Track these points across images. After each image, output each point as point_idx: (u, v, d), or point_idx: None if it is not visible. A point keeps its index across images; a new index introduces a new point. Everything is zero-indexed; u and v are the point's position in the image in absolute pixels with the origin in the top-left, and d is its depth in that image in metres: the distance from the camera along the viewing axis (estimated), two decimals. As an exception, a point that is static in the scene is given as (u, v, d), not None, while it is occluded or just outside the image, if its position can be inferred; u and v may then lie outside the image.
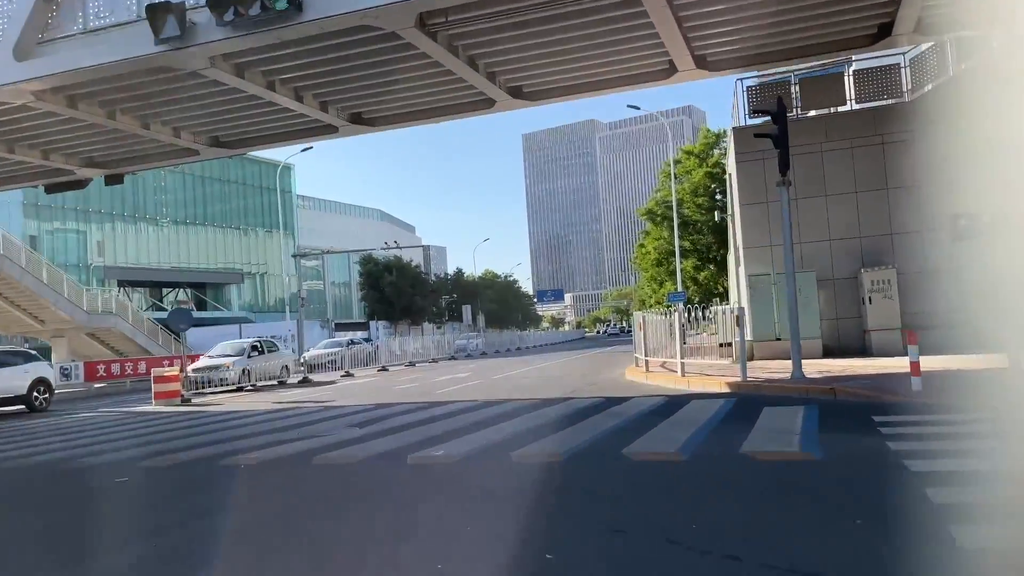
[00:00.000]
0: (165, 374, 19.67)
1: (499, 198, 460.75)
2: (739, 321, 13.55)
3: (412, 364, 34.69)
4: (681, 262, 43.92)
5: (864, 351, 17.72)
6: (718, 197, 47.67)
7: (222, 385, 22.50)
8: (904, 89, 18.23)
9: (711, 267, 49.25)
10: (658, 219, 48.55)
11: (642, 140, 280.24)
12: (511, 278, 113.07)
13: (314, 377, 26.92)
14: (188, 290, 71.35)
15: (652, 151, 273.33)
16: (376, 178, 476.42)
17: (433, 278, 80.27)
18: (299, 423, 12.75)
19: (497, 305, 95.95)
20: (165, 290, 66.92)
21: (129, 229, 64.03)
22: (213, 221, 71.64)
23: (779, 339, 17.93)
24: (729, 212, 24.50)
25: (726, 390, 13.29)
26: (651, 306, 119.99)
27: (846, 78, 18.80)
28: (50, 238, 58.48)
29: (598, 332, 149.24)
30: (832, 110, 19.20)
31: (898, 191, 17.61)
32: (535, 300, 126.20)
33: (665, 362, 18.21)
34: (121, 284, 63.39)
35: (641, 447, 7.87)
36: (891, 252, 17.83)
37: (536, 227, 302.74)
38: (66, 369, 30.30)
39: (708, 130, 47.43)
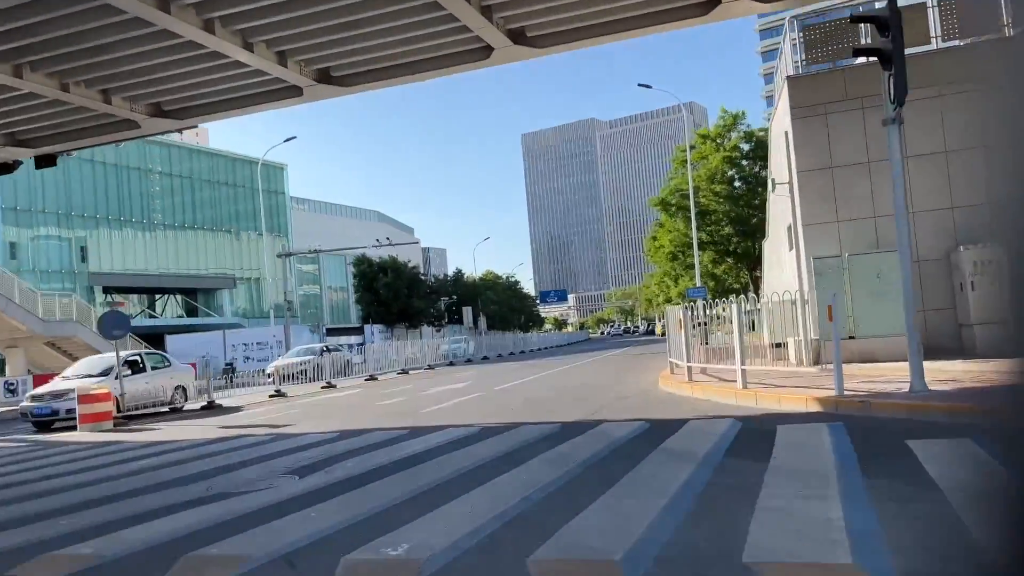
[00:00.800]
0: (93, 392, 15.95)
1: (499, 199, 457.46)
2: (831, 313, 9.82)
3: (405, 371, 31.04)
4: (698, 255, 40.26)
5: (961, 350, 14.04)
6: (737, 184, 44.07)
7: (69, 417, 16.37)
8: (1005, 22, 14.59)
9: (729, 260, 45.60)
10: (672, 209, 44.85)
11: (643, 138, 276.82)
12: (513, 279, 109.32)
13: (289, 390, 23.26)
14: (178, 296, 68.13)
15: (653, 149, 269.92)
16: (374, 181, 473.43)
17: (432, 279, 76.68)
18: (223, 465, 9.07)
19: (499, 307, 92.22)
20: (158, 297, 63.79)
21: (115, 234, 60.82)
22: (203, 225, 68.49)
23: (853, 337, 14.23)
24: (770, 184, 20.78)
25: (817, 409, 9.62)
26: (660, 304, 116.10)
27: (929, 10, 15.11)
28: (32, 245, 55.25)
29: (602, 333, 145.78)
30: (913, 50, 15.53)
31: (1000, 149, 13.94)
32: (538, 301, 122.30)
33: (706, 367, 14.58)
34: (107, 291, 60.04)
35: (770, 542, 4.18)
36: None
37: (537, 228, 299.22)
38: (11, 384, 26.67)
39: (725, 110, 43.82)
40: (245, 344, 49.16)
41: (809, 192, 15.27)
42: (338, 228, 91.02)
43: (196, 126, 18.98)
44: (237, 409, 18.84)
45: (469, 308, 73.89)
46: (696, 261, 39.75)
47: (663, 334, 75.75)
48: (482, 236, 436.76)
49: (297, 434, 11.79)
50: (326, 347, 28.43)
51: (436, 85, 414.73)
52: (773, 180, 15.36)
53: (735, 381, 12.10)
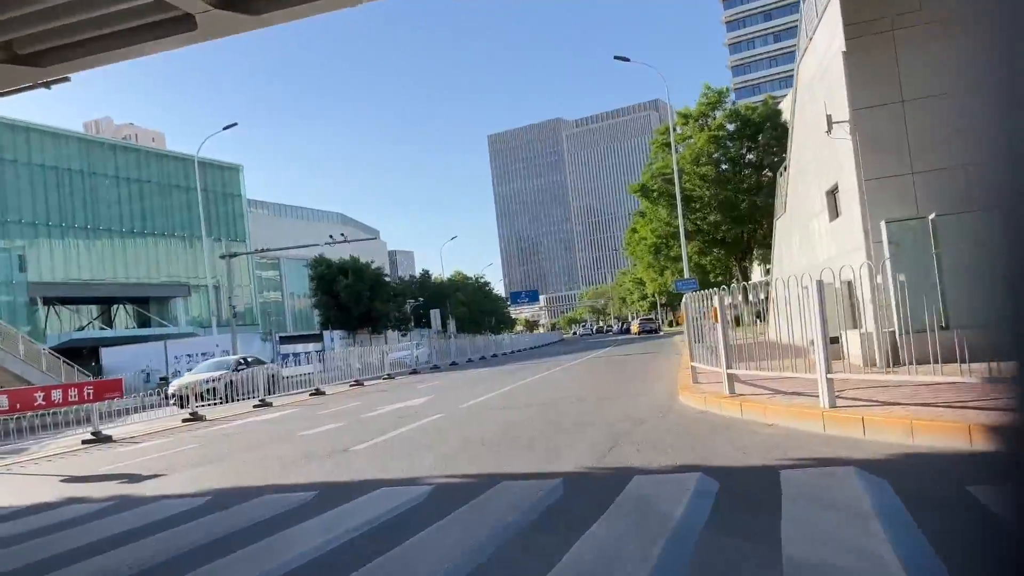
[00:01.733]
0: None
1: (468, 201, 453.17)
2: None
3: (359, 383, 26.84)
4: (686, 244, 36.52)
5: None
6: (724, 167, 40.48)
7: None
8: None
9: (717, 251, 42.00)
10: (654, 196, 41.13)
11: (610, 137, 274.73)
12: (482, 280, 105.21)
13: (212, 412, 18.98)
14: (129, 306, 63.26)
15: (620, 147, 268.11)
16: (339, 185, 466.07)
17: (396, 281, 72.30)
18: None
19: (468, 308, 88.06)
20: (115, 308, 59.18)
21: (57, 242, 55.97)
22: (155, 230, 63.87)
23: (945, 327, 10.37)
24: (790, 142, 17.03)
25: (977, 447, 5.73)
26: (635, 302, 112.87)
27: None
28: (-36, 254, 50.35)
29: (574, 333, 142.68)
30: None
31: None
32: (509, 302, 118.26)
33: (734, 372, 10.70)
34: (48, 302, 55.09)
35: None
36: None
37: (505, 229, 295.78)
38: None
39: (709, 87, 40.19)
40: (189, 355, 44.48)
41: (870, 136, 11.43)
42: (299, 231, 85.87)
43: (67, 79, 14.71)
44: (131, 441, 14.57)
45: (437, 311, 69.87)
46: (684, 250, 36.01)
47: (639, 332, 72.22)
48: (450, 238, 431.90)
49: (150, 498, 7.61)
50: (243, 359, 23.94)
51: (397, 86, 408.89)
52: (830, 117, 11.44)
53: (804, 395, 8.22)
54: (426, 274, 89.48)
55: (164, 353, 45.41)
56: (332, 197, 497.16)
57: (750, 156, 39.79)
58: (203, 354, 45.85)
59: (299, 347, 51.96)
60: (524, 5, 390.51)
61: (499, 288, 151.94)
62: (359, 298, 58.91)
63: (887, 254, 10.78)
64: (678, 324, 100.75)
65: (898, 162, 11.30)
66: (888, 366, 9.74)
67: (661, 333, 71.54)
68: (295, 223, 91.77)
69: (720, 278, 45.26)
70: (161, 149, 71.34)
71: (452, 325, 79.13)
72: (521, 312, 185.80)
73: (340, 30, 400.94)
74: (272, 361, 36.24)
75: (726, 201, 38.60)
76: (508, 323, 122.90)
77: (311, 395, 23.62)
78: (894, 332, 10.06)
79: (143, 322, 62.23)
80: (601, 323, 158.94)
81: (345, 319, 59.52)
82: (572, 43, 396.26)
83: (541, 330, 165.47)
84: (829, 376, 7.76)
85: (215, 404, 20.44)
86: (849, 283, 12.09)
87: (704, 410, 9.82)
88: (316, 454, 9.61)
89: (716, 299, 9.97)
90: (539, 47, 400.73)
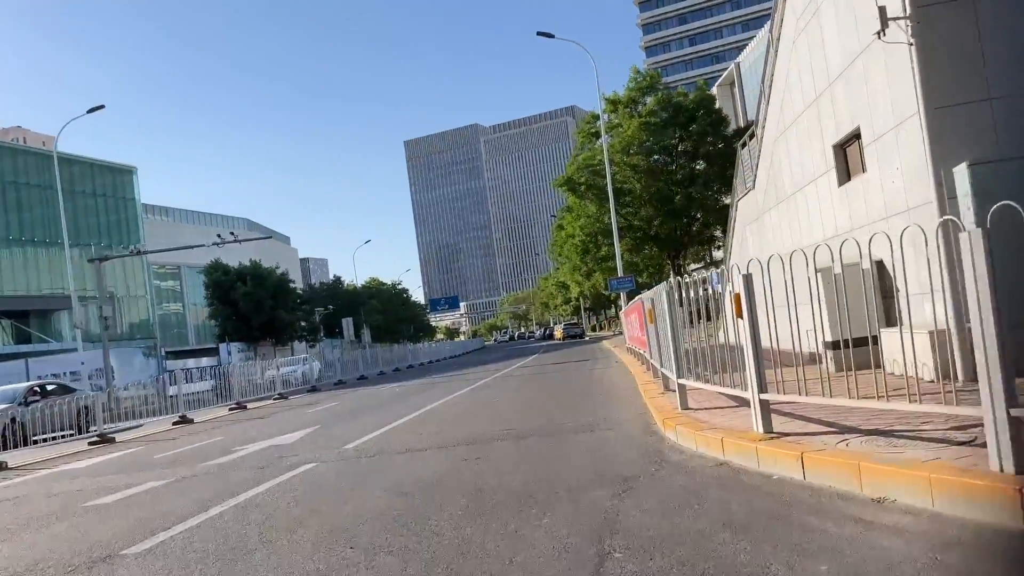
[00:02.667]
0: None
1: (385, 208, 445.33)
2: None
3: (241, 406, 22.25)
4: (619, 241, 33.14)
5: None
6: (656, 157, 37.37)
7: None
8: None
9: (650, 248, 38.86)
10: (581, 190, 37.67)
11: (527, 142, 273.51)
12: (400, 286, 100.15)
13: (21, 454, 14.21)
14: (5, 321, 56.05)
15: (538, 153, 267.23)
16: (248, 191, 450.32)
17: (303, 288, 66.91)
18: None
19: (384, 316, 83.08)
20: None
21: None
22: (34, 238, 56.83)
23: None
24: (762, 101, 13.73)
25: None
26: (559, 307, 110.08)
27: None
28: None
29: (495, 340, 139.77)
30: None
31: None
32: (428, 310, 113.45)
33: (768, 398, 7.06)
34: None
35: None
36: None
37: (424, 236, 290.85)
38: None
39: (638, 71, 37.02)
40: (55, 374, 38.40)
41: (933, 45, 7.93)
42: (202, 238, 79.19)
43: None
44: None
45: (350, 319, 65.25)
46: (617, 246, 32.66)
47: (564, 338, 68.92)
48: (367, 245, 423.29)
49: None
50: (38, 388, 18.89)
51: (311, 89, 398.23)
52: (883, 10, 7.82)
53: (917, 438, 4.56)
54: (337, 280, 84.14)
55: (26, 372, 39.21)
56: (241, 204, 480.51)
57: (683, 145, 36.85)
58: (71, 373, 39.93)
59: (191, 362, 46.41)
60: (433, 11, 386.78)
61: (418, 295, 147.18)
62: (260, 306, 53.50)
63: (968, 210, 7.27)
64: (602, 329, 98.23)
65: (973, 83, 7.83)
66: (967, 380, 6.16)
67: (587, 338, 68.54)
68: (198, 229, 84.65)
69: (652, 279, 42.25)
70: (42, 149, 63.96)
71: (367, 334, 74.50)
72: (441, 320, 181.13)
73: (248, 36, 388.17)
74: (155, 379, 31.08)
75: (659, 194, 35.47)
76: (428, 331, 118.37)
77: (175, 423, 19.00)
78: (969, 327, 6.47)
79: (23, 338, 55.33)
80: (523, 329, 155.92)
81: (245, 330, 53.99)
82: (488, 48, 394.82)
83: (462, 337, 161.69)
84: (1013, 414, 4.05)
85: (45, 441, 15.59)
86: (879, 263, 8.63)
87: (725, 461, 6.05)
88: (80, 549, 5.41)
89: (737, 280, 6.20)
90: (454, 51, 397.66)
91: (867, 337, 8.08)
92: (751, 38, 67.97)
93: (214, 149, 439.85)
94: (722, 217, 37.07)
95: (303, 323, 60.00)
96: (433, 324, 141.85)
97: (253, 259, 56.49)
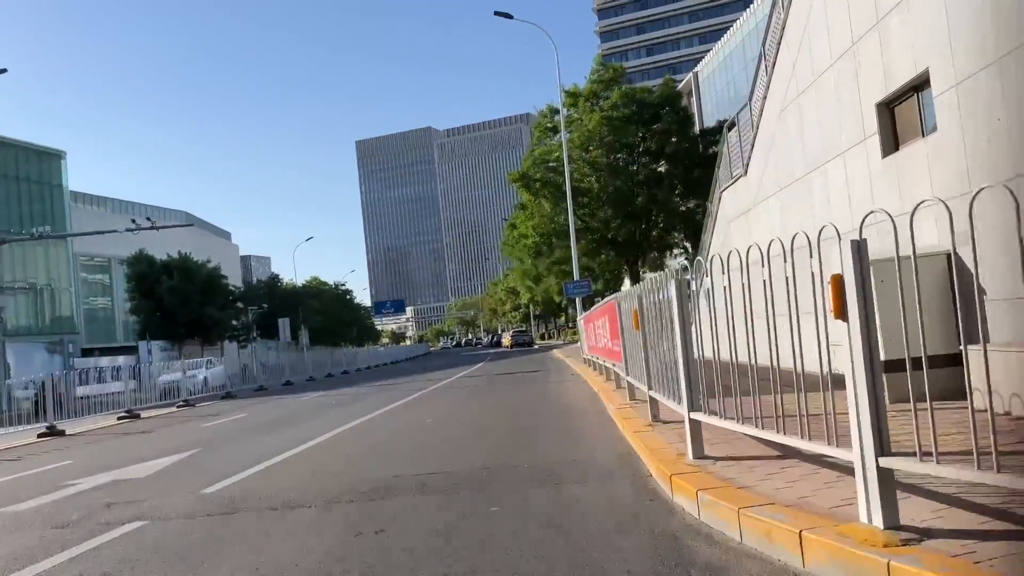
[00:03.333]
0: None
1: (333, 208, 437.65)
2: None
3: (133, 414, 18.94)
4: (576, 242, 30.57)
5: None
6: (619, 156, 34.89)
7: None
8: None
9: (606, 252, 36.37)
10: (536, 187, 35.01)
11: (481, 148, 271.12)
12: (343, 287, 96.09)
13: None
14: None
15: (491, 160, 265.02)
16: (190, 187, 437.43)
17: (235, 287, 62.81)
18: None
19: (325, 318, 79.08)
20: None
21: None
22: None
23: None
24: (766, 65, 11.29)
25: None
26: (507, 314, 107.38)
27: None
28: None
29: (442, 346, 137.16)
30: None
31: None
32: (373, 312, 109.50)
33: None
34: None
35: None
36: None
37: (373, 238, 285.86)
38: None
39: (602, 62, 34.58)
40: (-59, 370, 34.06)
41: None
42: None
43: None
44: None
45: (287, 319, 61.50)
46: (573, 247, 30.07)
47: (512, 346, 66.08)
48: (313, 244, 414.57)
49: None
50: None
51: (261, 81, 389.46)
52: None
53: None
54: (275, 278, 79.90)
55: None
56: (182, 199, 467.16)
57: (646, 144, 34.51)
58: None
59: (105, 361, 42.37)
60: (391, 12, 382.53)
61: (365, 298, 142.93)
62: (187, 302, 49.47)
63: None
64: (551, 337, 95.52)
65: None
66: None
67: (536, 346, 65.90)
68: (127, 220, 79.29)
69: (608, 287, 39.82)
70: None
71: (305, 336, 70.88)
72: (387, 324, 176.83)
73: (199, 20, 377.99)
74: (58, 376, 27.26)
75: (618, 193, 33.00)
76: (372, 335, 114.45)
77: (41, 436, 15.66)
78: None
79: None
80: (470, 335, 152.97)
81: (170, 327, 49.89)
82: (443, 50, 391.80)
83: (408, 342, 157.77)
84: None
85: None
86: (948, 256, 6.31)
87: (764, 550, 3.36)
88: None
89: (845, 251, 3.55)
90: (409, 53, 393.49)
91: (944, 355, 5.51)
92: (707, 51, 66.72)
93: (157, 140, 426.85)
94: (685, 221, 34.88)
95: (235, 322, 56.02)
96: (379, 328, 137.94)
97: (183, 252, 52.50)
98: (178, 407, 21.22)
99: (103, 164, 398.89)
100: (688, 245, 35.75)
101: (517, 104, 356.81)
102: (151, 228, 32.40)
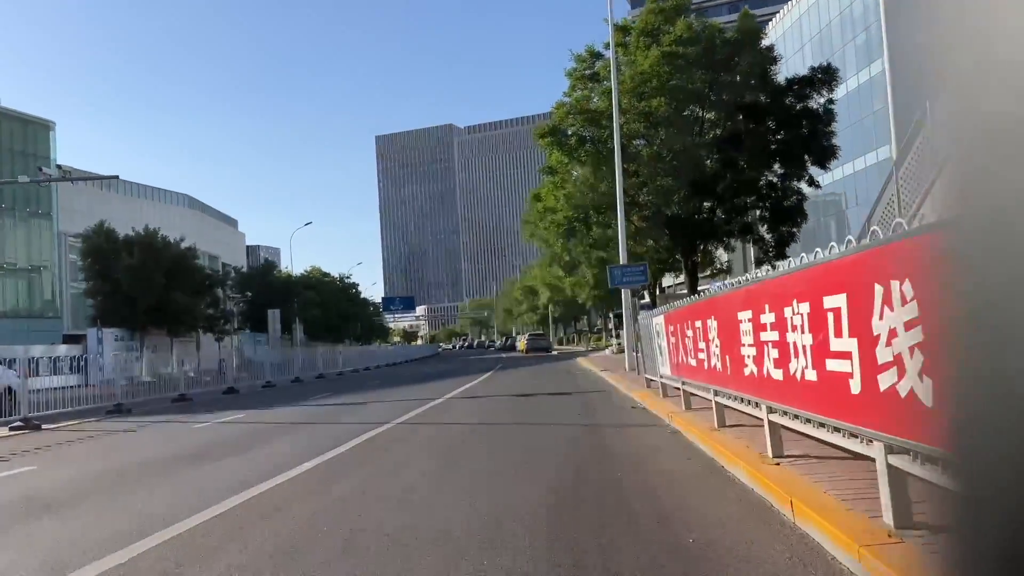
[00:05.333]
0: None
1: (350, 202, 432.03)
2: None
3: (31, 423, 11.09)
4: (623, 219, 22.45)
5: None
6: (689, 106, 26.57)
7: None
8: None
9: (661, 234, 27.99)
10: (570, 144, 26.83)
11: (501, 146, 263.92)
12: (348, 279, 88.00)
13: None
14: None
15: (512, 159, 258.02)
16: (203, 172, 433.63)
17: (213, 270, 54.98)
18: None
19: (324, 311, 71.17)
20: None
21: None
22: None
23: None
24: None
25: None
26: (522, 315, 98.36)
27: None
28: None
29: (453, 347, 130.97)
30: None
31: None
32: (382, 309, 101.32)
33: None
34: None
35: None
36: None
37: (389, 234, 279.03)
38: None
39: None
40: None
41: None
42: (129, 212, 66.24)
43: None
44: None
45: (276, 311, 53.95)
46: (620, 220, 21.91)
47: (528, 351, 57.65)
48: (326, 237, 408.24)
49: None
50: None
51: (282, 71, 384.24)
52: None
53: None
54: (270, 264, 72.25)
55: None
56: (193, 184, 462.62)
57: (718, 94, 26.33)
58: None
59: (36, 349, 34.73)
60: (414, 9, 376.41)
61: (374, 293, 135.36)
62: (150, 285, 41.68)
63: None
64: (571, 343, 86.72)
65: None
66: None
67: (554, 352, 57.69)
68: (128, 200, 71.43)
69: (654, 282, 31.52)
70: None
71: (299, 330, 63.20)
72: (398, 321, 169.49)
73: (221, 8, 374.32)
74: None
75: (685, 155, 24.72)
76: (381, 333, 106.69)
77: None
78: None
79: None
80: (483, 337, 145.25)
81: (128, 313, 42.13)
82: (466, 47, 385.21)
83: (420, 342, 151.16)
84: None
85: None
86: None
87: None
88: None
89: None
90: (431, 48, 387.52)
91: None
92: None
93: (170, 122, 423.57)
94: (762, 199, 26.76)
95: (211, 310, 48.28)
96: (389, 325, 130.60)
97: (153, 227, 44.97)
98: (104, 416, 13.29)
99: (124, 156, 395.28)
100: (764, 231, 27.49)
101: (540, 103, 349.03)
102: (65, 180, 24.65)
